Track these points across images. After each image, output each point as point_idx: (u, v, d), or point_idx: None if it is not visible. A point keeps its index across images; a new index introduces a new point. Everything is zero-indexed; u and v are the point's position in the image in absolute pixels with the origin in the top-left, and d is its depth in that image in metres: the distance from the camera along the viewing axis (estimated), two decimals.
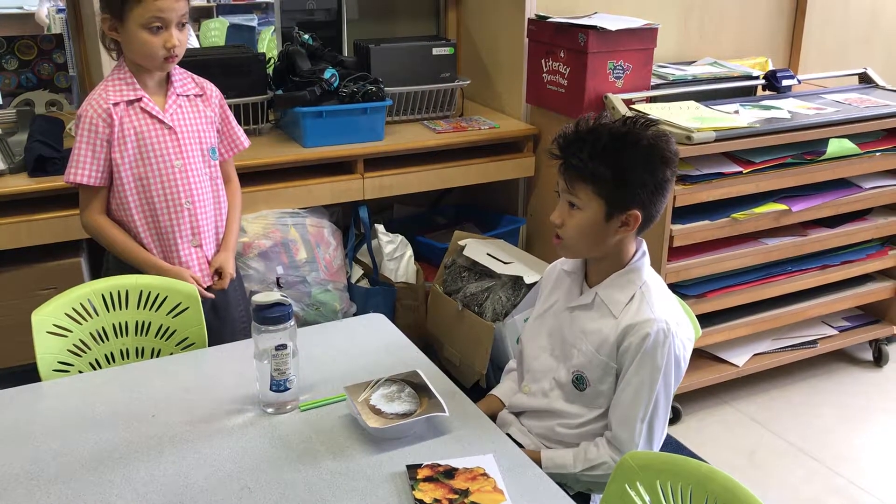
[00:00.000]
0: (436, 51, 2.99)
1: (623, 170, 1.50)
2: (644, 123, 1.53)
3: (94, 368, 1.83)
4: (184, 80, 2.03)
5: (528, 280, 2.60)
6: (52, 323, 1.76)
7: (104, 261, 2.11)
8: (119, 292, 1.86)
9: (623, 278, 1.58)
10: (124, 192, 1.95)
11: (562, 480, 1.57)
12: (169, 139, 1.96)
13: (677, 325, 1.54)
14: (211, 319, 2.02)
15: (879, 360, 3.21)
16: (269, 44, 3.94)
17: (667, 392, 1.54)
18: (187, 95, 2.01)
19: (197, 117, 2.02)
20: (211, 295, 2.04)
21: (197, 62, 2.61)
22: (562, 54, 2.76)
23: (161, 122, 1.95)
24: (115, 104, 1.91)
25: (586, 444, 1.59)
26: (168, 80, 1.98)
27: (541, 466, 1.54)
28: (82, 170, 1.92)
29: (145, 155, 1.94)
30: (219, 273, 2.08)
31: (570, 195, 1.54)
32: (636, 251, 1.60)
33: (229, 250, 2.12)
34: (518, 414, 1.73)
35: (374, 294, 2.86)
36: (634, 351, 1.52)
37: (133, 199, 1.96)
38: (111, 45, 1.94)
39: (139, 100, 1.93)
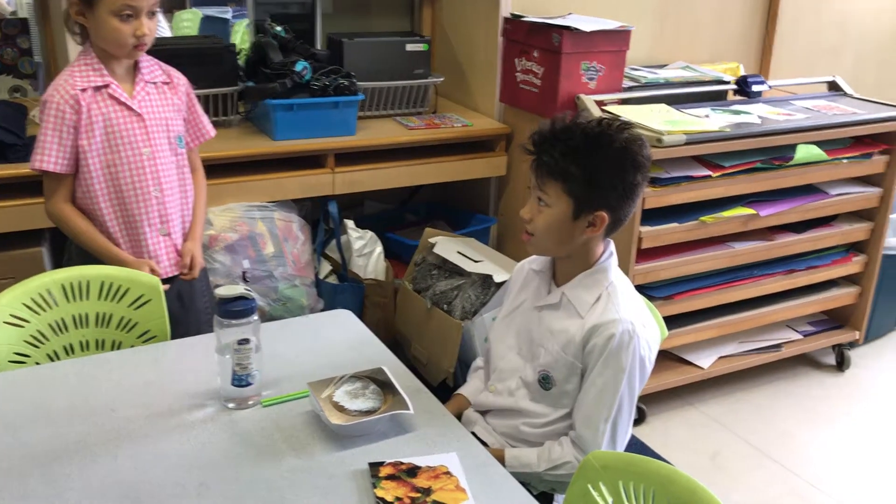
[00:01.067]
0: (409, 47, 2.98)
1: (593, 170, 1.50)
2: (619, 126, 1.53)
3: (53, 360, 1.79)
4: (151, 67, 2.01)
5: (497, 279, 2.60)
6: (8, 313, 1.72)
7: (66, 250, 2.08)
8: (80, 283, 1.83)
9: (590, 278, 1.58)
10: (91, 180, 1.93)
11: (525, 479, 1.57)
12: (137, 126, 1.94)
13: (643, 326, 1.55)
14: (176, 309, 2.00)
15: (842, 364, 3.25)
16: (242, 36, 3.90)
17: (631, 393, 1.54)
18: (155, 83, 2.00)
19: (164, 105, 2.00)
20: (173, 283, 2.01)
21: (167, 51, 2.57)
22: (536, 54, 2.76)
23: (129, 108, 1.93)
24: (83, 90, 1.88)
25: (550, 444, 1.59)
26: (136, 67, 1.97)
27: (504, 465, 1.54)
28: (48, 156, 1.88)
29: (113, 142, 1.92)
30: (187, 263, 2.06)
31: (540, 192, 1.54)
32: (604, 252, 1.61)
33: (196, 240, 2.10)
34: (483, 413, 1.72)
35: (342, 290, 2.83)
36: (599, 351, 1.52)
37: (100, 186, 1.94)
38: (76, 29, 1.90)
39: (107, 86, 1.91)
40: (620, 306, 1.54)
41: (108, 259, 1.95)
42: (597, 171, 1.50)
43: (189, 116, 2.10)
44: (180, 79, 2.07)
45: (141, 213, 1.97)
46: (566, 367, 1.57)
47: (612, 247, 1.62)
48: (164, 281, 1.97)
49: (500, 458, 1.59)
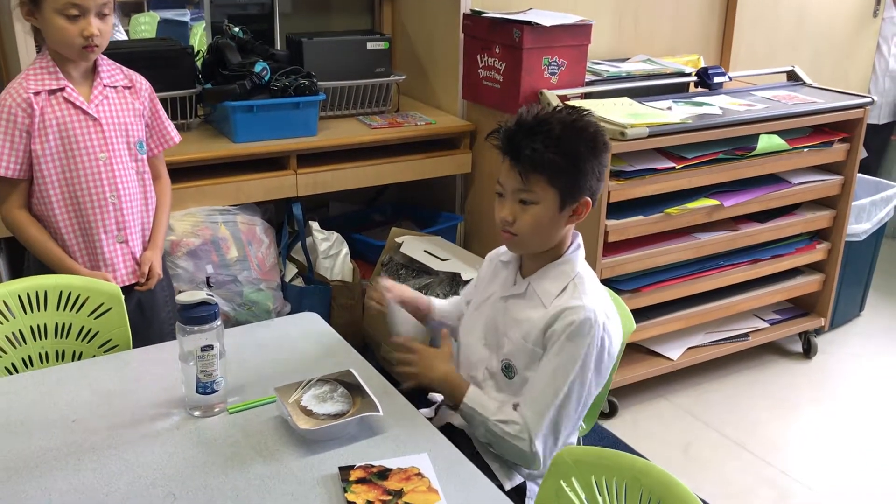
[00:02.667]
0: (370, 45, 2.95)
1: (576, 158, 1.50)
2: (584, 112, 1.55)
3: (11, 373, 1.74)
4: (112, 71, 1.97)
5: (465, 276, 2.58)
6: None
7: (25, 258, 2.03)
8: (38, 293, 1.78)
9: (556, 269, 1.58)
10: (45, 186, 1.88)
11: (470, 426, 1.60)
12: (94, 131, 1.90)
13: (606, 317, 1.54)
14: (137, 320, 1.95)
15: (809, 351, 3.28)
16: (200, 38, 3.85)
17: (582, 382, 1.52)
18: (115, 87, 1.95)
19: (124, 109, 1.96)
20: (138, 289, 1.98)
21: (122, 54, 2.52)
22: (497, 50, 2.75)
23: (85, 113, 1.89)
24: (36, 94, 1.84)
25: (509, 400, 1.58)
26: (95, 70, 1.92)
27: (464, 398, 1.57)
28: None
29: (68, 147, 1.88)
30: (144, 272, 2.02)
31: (524, 191, 1.52)
32: (571, 243, 1.60)
33: (156, 248, 2.06)
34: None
35: (308, 293, 2.80)
36: (558, 335, 1.51)
37: (55, 192, 1.90)
38: (32, 31, 1.86)
39: (62, 89, 1.86)
40: (587, 295, 1.53)
41: (61, 270, 1.91)
42: (578, 157, 1.51)
43: (152, 122, 2.05)
44: (143, 83, 2.02)
45: (97, 220, 1.93)
46: (527, 356, 1.56)
47: (579, 239, 1.62)
48: (122, 290, 1.91)
49: (463, 393, 1.59)
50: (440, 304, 1.87)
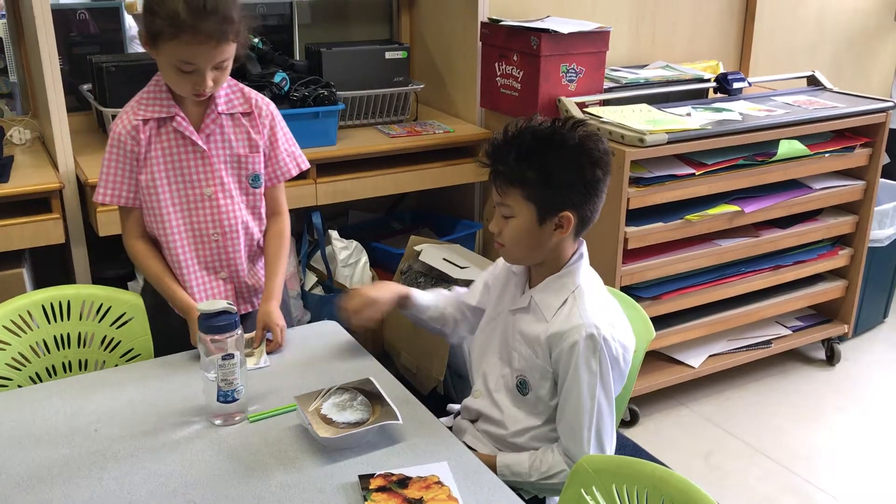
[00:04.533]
0: (388, 55, 2.96)
1: (549, 171, 1.48)
2: (572, 124, 1.52)
3: (35, 382, 1.76)
4: (230, 95, 1.78)
5: None
6: None
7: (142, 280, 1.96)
8: (60, 303, 1.80)
9: (557, 282, 1.57)
10: (159, 213, 1.78)
11: (518, 486, 1.55)
12: (201, 163, 1.76)
13: (611, 326, 1.52)
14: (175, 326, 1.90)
15: (832, 358, 3.25)
16: None
17: (608, 396, 1.52)
18: (231, 114, 1.78)
19: (239, 140, 1.79)
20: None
21: (143, 66, 2.55)
22: (515, 58, 2.75)
23: (194, 144, 1.75)
24: (145, 121, 1.73)
25: (543, 451, 1.57)
26: (211, 95, 1.74)
27: (496, 472, 1.52)
28: (107, 189, 1.75)
29: (174, 178, 1.76)
30: (269, 329, 1.79)
31: (502, 204, 1.53)
32: (574, 254, 1.58)
33: (272, 300, 1.82)
34: (473, 420, 1.71)
35: (328, 301, 2.81)
36: (566, 359, 1.50)
37: (168, 221, 1.78)
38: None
39: (172, 118, 1.73)
40: (586, 310, 1.51)
41: (174, 304, 1.81)
42: (553, 171, 1.48)
43: (271, 150, 1.84)
44: (264, 107, 1.82)
45: (200, 255, 1.82)
46: (538, 371, 1.56)
47: (583, 248, 1.60)
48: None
49: (492, 465, 1.57)
50: (420, 300, 1.80)
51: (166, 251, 1.81)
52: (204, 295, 1.84)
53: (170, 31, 1.59)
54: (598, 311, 1.53)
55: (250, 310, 1.91)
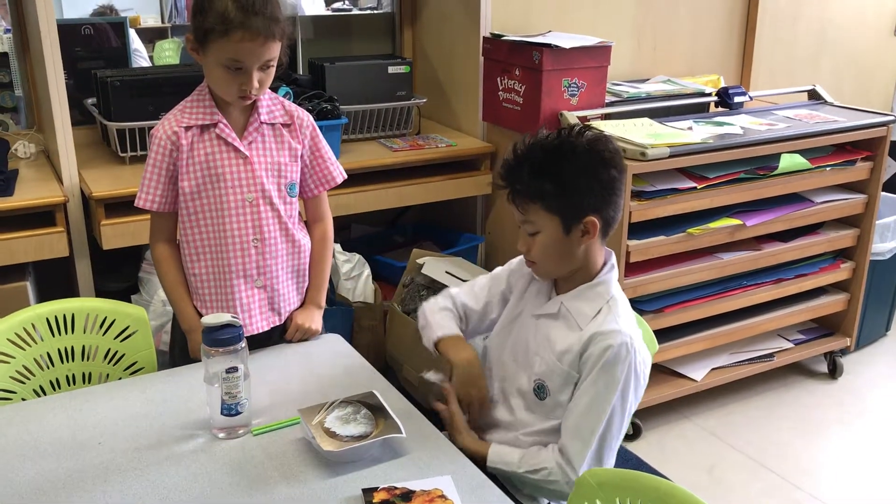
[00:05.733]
0: (391, 69, 2.98)
1: (565, 180, 1.50)
2: (578, 131, 1.54)
3: (39, 395, 1.77)
4: (271, 106, 1.81)
5: None
6: None
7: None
8: (65, 316, 1.80)
9: (592, 291, 1.57)
10: (189, 221, 1.79)
11: (506, 477, 1.58)
12: (243, 169, 1.77)
13: (640, 340, 1.55)
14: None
15: (834, 372, 3.24)
16: None
17: (623, 408, 1.53)
18: (272, 124, 1.81)
19: (279, 148, 1.81)
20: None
21: (147, 81, 2.57)
22: (517, 72, 2.77)
23: (236, 150, 1.76)
24: (188, 128, 1.74)
25: (536, 448, 1.58)
26: (253, 105, 1.78)
27: (486, 461, 1.56)
28: (146, 194, 1.77)
29: (215, 184, 1.76)
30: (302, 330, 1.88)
31: (526, 222, 1.54)
32: (605, 263, 1.60)
33: (314, 305, 1.92)
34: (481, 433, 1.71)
35: (331, 315, 2.80)
36: (595, 360, 1.51)
37: (197, 229, 1.79)
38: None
39: (215, 125, 1.75)
40: (621, 319, 1.53)
41: (178, 314, 1.85)
42: (568, 180, 1.50)
43: (312, 161, 1.88)
44: (304, 120, 1.85)
45: (237, 263, 1.80)
46: (561, 377, 1.56)
47: (613, 259, 1.62)
48: (257, 337, 1.84)
49: (483, 454, 1.59)
50: (465, 329, 1.81)
51: (194, 260, 1.81)
52: (239, 303, 1.83)
53: (220, 28, 1.62)
54: (630, 323, 1.55)
55: (278, 323, 1.90)
